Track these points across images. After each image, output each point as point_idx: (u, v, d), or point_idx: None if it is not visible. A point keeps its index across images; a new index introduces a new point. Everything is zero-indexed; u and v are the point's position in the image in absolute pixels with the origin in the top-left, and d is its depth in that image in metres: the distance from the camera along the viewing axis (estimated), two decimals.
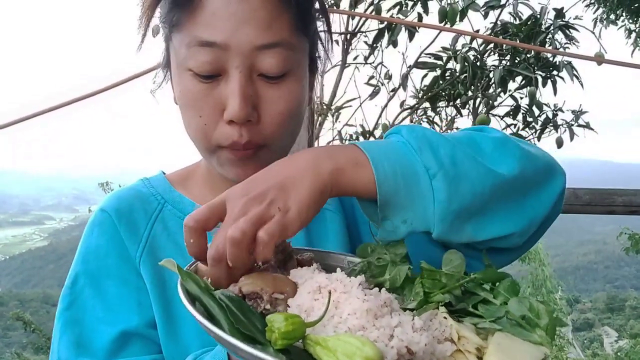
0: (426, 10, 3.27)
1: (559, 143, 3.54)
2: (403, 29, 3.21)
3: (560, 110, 3.52)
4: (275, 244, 0.61)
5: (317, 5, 0.87)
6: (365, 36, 3.40)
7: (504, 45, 3.32)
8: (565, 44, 3.32)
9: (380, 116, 3.55)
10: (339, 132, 3.47)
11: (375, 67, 3.47)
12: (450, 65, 3.36)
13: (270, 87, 0.79)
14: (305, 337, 0.51)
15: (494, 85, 3.37)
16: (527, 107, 3.47)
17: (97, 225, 0.89)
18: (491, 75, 3.31)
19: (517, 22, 3.31)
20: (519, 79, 3.40)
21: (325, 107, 3.33)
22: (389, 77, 3.50)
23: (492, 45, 3.35)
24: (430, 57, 3.39)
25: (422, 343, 0.53)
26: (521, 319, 0.58)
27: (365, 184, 0.65)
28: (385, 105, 3.53)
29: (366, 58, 3.46)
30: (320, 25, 0.90)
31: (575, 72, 3.25)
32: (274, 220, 0.59)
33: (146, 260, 0.85)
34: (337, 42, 3.29)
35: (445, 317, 0.59)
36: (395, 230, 0.67)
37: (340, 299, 0.56)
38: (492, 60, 3.43)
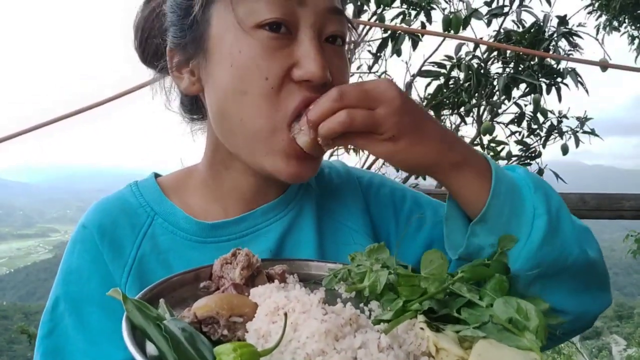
0: (429, 20, 3.28)
1: (564, 150, 3.53)
2: (407, 38, 3.22)
3: (565, 117, 3.51)
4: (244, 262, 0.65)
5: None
6: (369, 45, 3.41)
7: (508, 53, 3.32)
8: (568, 51, 3.32)
9: None
10: None
11: (379, 76, 3.48)
12: (454, 73, 3.36)
13: (334, 54, 0.76)
14: None
15: (498, 92, 3.36)
16: (531, 114, 3.46)
17: (78, 242, 0.80)
18: (495, 82, 3.31)
19: (520, 29, 3.31)
20: (523, 86, 3.39)
21: None
22: None
23: (495, 53, 3.35)
24: (433, 66, 3.40)
25: None
26: (508, 322, 0.53)
27: (475, 192, 0.68)
28: None
29: (370, 67, 3.46)
30: None
31: (579, 79, 3.25)
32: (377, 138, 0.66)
33: (133, 286, 0.76)
34: None
35: (422, 329, 0.54)
36: (479, 251, 0.69)
37: (298, 320, 0.52)
38: (495, 68, 3.44)
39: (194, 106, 0.90)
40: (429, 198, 0.96)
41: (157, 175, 0.90)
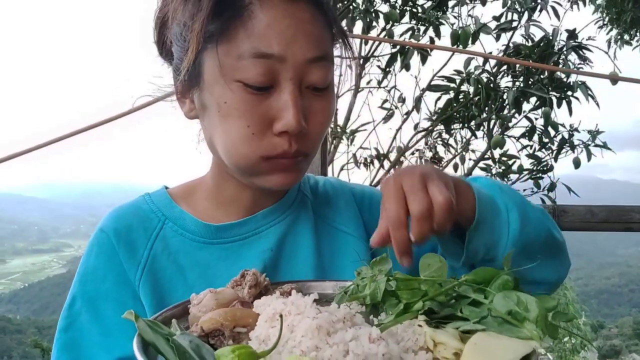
0: (438, 35, 3.31)
1: (576, 163, 3.50)
2: (415, 52, 3.24)
3: (576, 130, 3.49)
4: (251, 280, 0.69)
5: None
6: (378, 60, 3.44)
7: (517, 67, 3.33)
8: (578, 64, 3.32)
9: (394, 139, 3.57)
10: (354, 155, 3.49)
11: (389, 91, 3.50)
12: (463, 87, 3.37)
13: (315, 98, 0.80)
14: None
15: (508, 106, 3.36)
16: (542, 127, 3.45)
17: (95, 245, 0.87)
18: (505, 96, 3.31)
19: (530, 44, 3.32)
20: (533, 100, 3.39)
21: (340, 130, 3.35)
22: (402, 100, 3.52)
23: (505, 67, 3.36)
24: (443, 80, 3.41)
25: (379, 353, 0.51)
26: (507, 314, 0.55)
27: (465, 207, 0.74)
28: (399, 128, 3.55)
29: (379, 82, 3.49)
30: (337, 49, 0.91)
31: (590, 92, 3.24)
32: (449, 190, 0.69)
33: (145, 284, 0.83)
34: (350, 66, 3.33)
35: (420, 325, 0.56)
36: (475, 254, 0.77)
37: (294, 321, 0.55)
38: (505, 81, 3.44)
39: None
40: None
41: (166, 188, 0.97)
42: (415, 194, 0.66)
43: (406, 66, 3.31)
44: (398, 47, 3.26)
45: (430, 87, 3.42)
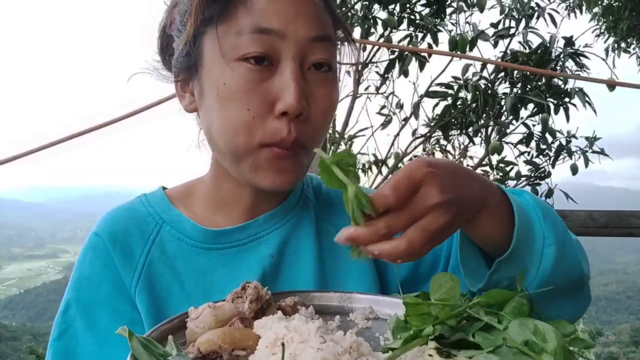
0: (436, 41, 3.32)
1: (574, 170, 3.52)
2: (413, 59, 3.25)
3: (574, 137, 3.51)
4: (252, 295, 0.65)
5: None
6: (377, 67, 3.45)
7: (515, 73, 3.34)
8: (575, 71, 3.34)
9: (392, 145, 3.57)
10: None
11: (387, 97, 3.51)
12: (461, 94, 3.38)
13: (318, 82, 0.78)
14: None
15: (505, 113, 3.37)
16: (540, 134, 3.46)
17: (90, 250, 0.84)
18: (502, 103, 3.32)
19: (527, 50, 3.34)
20: (530, 106, 3.40)
21: (338, 136, 3.36)
22: (400, 106, 3.53)
23: (502, 73, 3.38)
24: (441, 87, 3.43)
25: None
26: (524, 344, 0.50)
27: (497, 231, 0.66)
28: (397, 134, 3.56)
29: (377, 88, 3.50)
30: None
31: (587, 99, 3.25)
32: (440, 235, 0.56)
33: (142, 290, 0.80)
34: (348, 72, 3.34)
35: (430, 355, 0.52)
36: (497, 284, 0.69)
37: (297, 350, 0.52)
38: (503, 88, 3.45)
39: None
40: None
41: (164, 189, 0.94)
42: (410, 211, 0.54)
43: (404, 72, 3.32)
44: (396, 53, 3.27)
45: (428, 94, 3.43)
